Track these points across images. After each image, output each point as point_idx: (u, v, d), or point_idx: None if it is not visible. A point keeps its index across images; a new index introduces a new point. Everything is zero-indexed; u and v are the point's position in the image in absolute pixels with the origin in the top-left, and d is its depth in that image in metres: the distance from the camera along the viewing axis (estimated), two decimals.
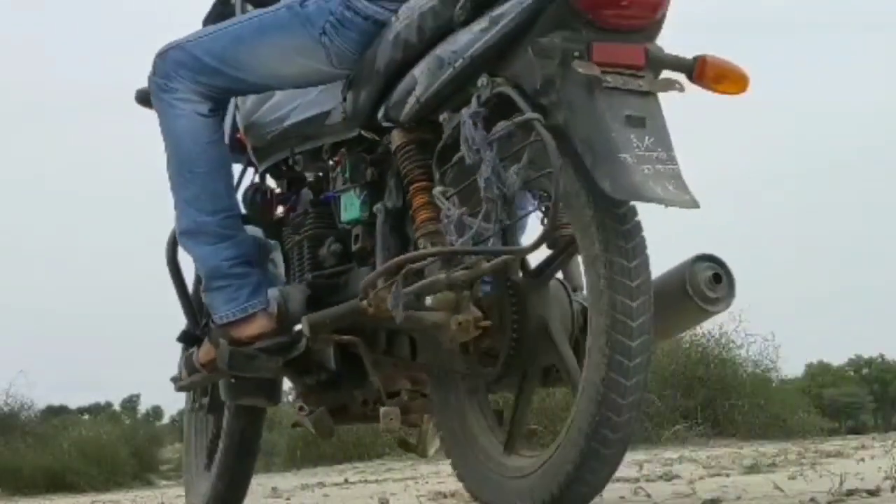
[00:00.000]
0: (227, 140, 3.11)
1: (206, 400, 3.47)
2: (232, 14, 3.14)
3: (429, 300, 2.47)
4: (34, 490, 13.56)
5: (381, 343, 2.84)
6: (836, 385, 38.05)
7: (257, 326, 2.86)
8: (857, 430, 21.53)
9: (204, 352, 3.01)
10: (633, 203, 2.27)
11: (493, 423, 2.64)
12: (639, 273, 2.24)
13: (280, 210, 3.17)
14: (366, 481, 7.57)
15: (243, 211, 3.12)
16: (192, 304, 3.22)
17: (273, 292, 2.92)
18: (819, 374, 38.16)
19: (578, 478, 2.27)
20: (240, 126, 3.17)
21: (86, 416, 23.79)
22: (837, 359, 41.22)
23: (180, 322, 3.28)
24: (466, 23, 2.47)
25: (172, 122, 2.87)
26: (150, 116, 3.07)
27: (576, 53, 2.26)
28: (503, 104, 2.35)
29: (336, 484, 7.43)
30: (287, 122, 3.04)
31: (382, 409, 2.77)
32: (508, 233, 2.43)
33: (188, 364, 3.11)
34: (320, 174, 3.07)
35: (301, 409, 3.00)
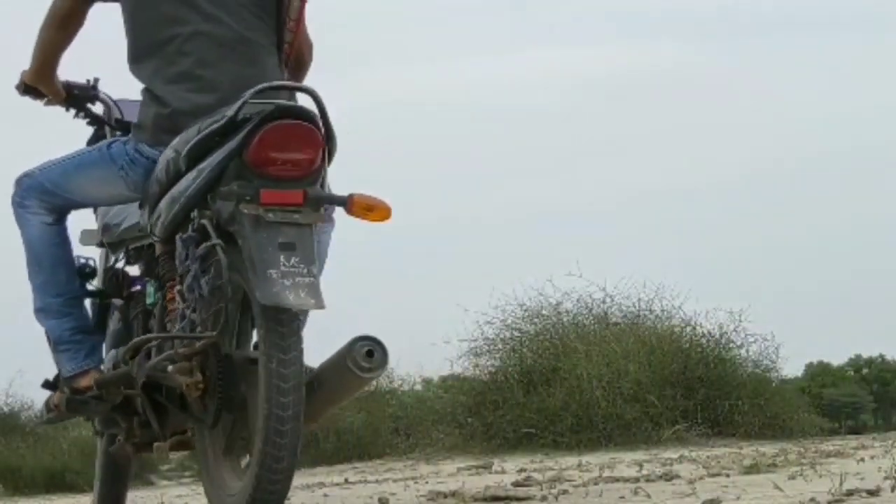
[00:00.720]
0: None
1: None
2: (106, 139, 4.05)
3: (170, 368, 3.32)
4: (34, 490, 13.58)
5: (163, 395, 3.52)
6: (836, 385, 38.13)
7: (90, 379, 3.69)
8: (857, 430, 21.59)
9: (56, 397, 3.84)
10: (294, 311, 3.09)
11: (230, 456, 3.37)
12: (292, 363, 3.07)
13: (133, 288, 4.01)
14: (366, 481, 7.59)
15: (103, 288, 4.07)
16: None
17: (111, 353, 3.82)
18: (819, 374, 38.24)
19: (256, 498, 3.09)
20: (98, 228, 4.10)
21: None
22: (837, 359, 41.23)
23: None
24: (188, 170, 3.33)
25: (27, 230, 3.78)
26: None
27: (247, 197, 3.15)
28: (206, 231, 3.24)
29: (336, 484, 7.45)
30: (121, 227, 3.96)
31: (155, 444, 3.57)
32: (215, 320, 3.25)
33: (47, 405, 3.92)
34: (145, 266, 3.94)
35: (118, 440, 3.81)
